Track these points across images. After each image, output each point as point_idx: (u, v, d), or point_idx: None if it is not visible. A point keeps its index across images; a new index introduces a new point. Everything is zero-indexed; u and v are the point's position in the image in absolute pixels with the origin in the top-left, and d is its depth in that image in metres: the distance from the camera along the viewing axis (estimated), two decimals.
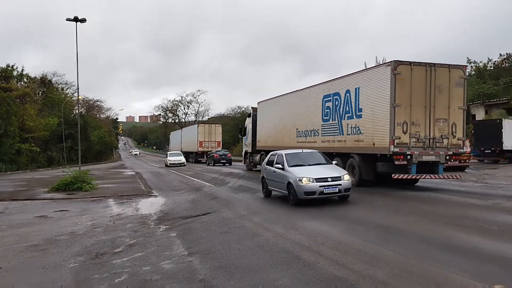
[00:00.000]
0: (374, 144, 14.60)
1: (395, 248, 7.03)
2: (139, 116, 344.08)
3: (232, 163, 38.98)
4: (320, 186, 10.97)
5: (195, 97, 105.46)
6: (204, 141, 44.22)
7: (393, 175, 13.90)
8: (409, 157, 13.88)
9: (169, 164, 37.11)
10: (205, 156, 42.16)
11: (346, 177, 11.41)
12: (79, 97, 44.14)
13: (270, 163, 13.15)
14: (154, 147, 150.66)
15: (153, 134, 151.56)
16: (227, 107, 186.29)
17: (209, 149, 43.32)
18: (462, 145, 14.28)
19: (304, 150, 13.09)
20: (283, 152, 12.89)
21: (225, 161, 38.85)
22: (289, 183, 11.48)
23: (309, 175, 11.16)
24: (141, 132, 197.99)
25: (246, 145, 28.21)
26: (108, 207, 13.91)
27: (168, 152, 40.84)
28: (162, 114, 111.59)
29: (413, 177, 13.76)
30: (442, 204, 11.15)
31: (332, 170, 11.66)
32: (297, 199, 11.14)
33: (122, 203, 14.54)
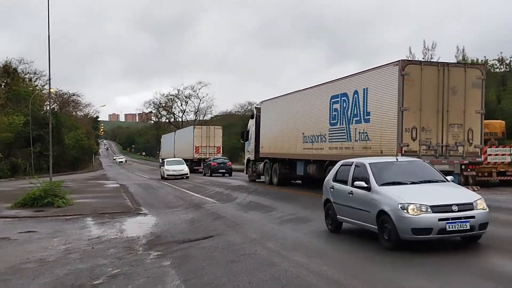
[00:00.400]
0: (382, 152, 17.15)
1: None
2: (125, 114, 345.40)
3: (234, 173, 41.17)
4: (439, 220, 8.62)
5: (195, 91, 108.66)
6: (201, 146, 47.16)
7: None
8: None
9: (167, 175, 37.20)
10: (202, 165, 44.90)
11: (481, 203, 9.07)
12: (51, 89, 45.40)
13: (342, 178, 11.05)
14: (144, 153, 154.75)
15: (143, 137, 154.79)
16: (235, 104, 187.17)
17: (207, 156, 46.23)
18: (479, 154, 16.78)
19: (400, 158, 11.49)
20: (366, 160, 10.89)
21: (224, 170, 41.45)
22: (381, 212, 9.23)
23: (419, 200, 8.85)
24: (127, 134, 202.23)
25: (249, 151, 30.77)
26: (86, 227, 14.36)
27: (166, 160, 40.81)
28: (153, 111, 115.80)
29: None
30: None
31: (454, 192, 9.46)
32: (397, 240, 8.92)
33: (103, 223, 15.02)
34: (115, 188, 30.59)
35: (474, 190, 16.87)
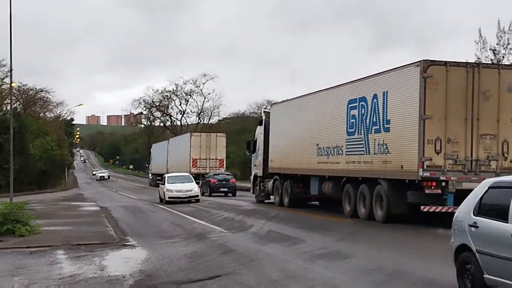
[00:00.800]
0: (402, 167, 19.45)
1: None
2: (108, 116, 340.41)
3: (243, 192, 43.29)
4: None
5: (198, 86, 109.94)
6: (200, 158, 50.37)
7: (422, 207, 18.61)
8: (443, 183, 18.57)
9: (170, 198, 35.90)
10: (200, 181, 46.70)
11: None
12: (13, 84, 45.57)
13: (494, 209, 9.22)
14: (131, 167, 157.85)
15: (130, 145, 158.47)
16: (250, 102, 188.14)
17: (207, 171, 49.13)
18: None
19: None
20: None
21: (226, 189, 43.69)
22: None
23: None
24: (110, 142, 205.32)
25: (256, 165, 33.20)
26: (56, 263, 14.48)
27: (167, 176, 39.46)
28: (144, 113, 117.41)
29: (450, 210, 18.34)
30: None
31: None
32: None
33: (78, 258, 15.19)
34: (94, 212, 31.42)
35: None
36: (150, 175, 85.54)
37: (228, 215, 26.33)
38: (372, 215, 21.06)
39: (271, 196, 31.70)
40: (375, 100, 21.18)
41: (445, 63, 18.92)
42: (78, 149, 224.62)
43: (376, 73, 21.54)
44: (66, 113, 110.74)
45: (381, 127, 20.79)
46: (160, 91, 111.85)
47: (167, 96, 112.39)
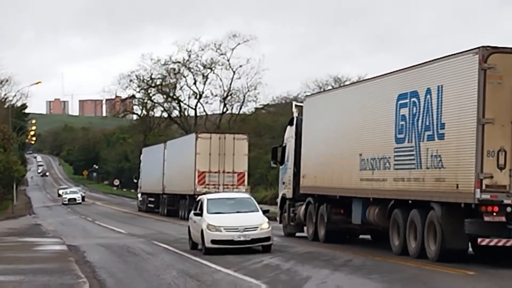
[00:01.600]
0: (457, 187, 24.30)
1: None
2: (81, 102, 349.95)
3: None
4: None
5: (224, 54, 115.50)
6: (210, 172, 55.13)
7: (479, 239, 23.36)
8: (509, 209, 23.20)
9: (215, 241, 31.76)
10: None
11: None
12: None
13: None
14: (117, 182, 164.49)
15: (115, 148, 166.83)
16: (306, 81, 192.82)
17: (220, 189, 53.93)
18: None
19: None
20: None
21: None
22: None
23: None
24: (84, 143, 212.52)
25: (284, 183, 37.54)
26: None
27: (206, 198, 34.22)
28: (138, 96, 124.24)
29: None
30: None
31: None
32: None
33: None
34: (58, 254, 33.04)
35: None
36: (139, 195, 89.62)
37: (269, 261, 28.42)
38: (424, 251, 25.75)
39: (304, 227, 35.88)
40: (428, 96, 26.10)
41: None
42: (30, 151, 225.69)
43: (433, 59, 26.41)
44: (14, 96, 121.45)
45: (435, 133, 25.68)
46: (163, 62, 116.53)
47: (174, 69, 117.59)
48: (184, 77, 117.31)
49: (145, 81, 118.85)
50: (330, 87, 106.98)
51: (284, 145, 38.70)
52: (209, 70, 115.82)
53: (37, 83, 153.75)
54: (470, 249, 27.24)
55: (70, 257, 30.86)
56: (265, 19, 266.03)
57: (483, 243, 23.57)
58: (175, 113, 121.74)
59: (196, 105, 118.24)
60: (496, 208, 23.12)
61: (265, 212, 33.69)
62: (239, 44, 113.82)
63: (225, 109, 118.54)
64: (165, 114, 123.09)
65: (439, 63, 25.89)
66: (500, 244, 23.40)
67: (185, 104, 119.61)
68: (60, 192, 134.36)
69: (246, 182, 56.76)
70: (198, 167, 56.05)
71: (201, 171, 55.95)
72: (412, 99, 27.19)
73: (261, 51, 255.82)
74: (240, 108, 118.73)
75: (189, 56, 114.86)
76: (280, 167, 38.99)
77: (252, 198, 35.71)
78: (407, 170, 27.31)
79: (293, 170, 36.86)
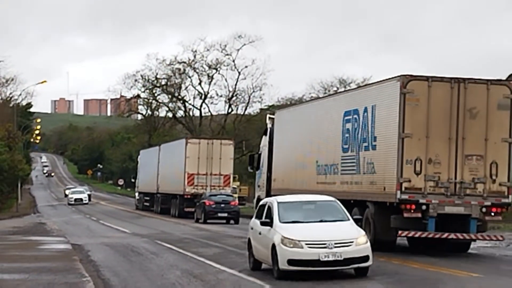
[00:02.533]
0: (384, 189, 31.26)
1: None
2: (85, 101, 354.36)
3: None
4: None
5: (229, 54, 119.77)
6: (199, 174, 61.94)
7: (399, 231, 30.32)
8: (424, 207, 29.90)
9: (292, 261, 24.98)
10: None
11: None
12: None
13: None
14: (121, 182, 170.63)
15: (120, 148, 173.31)
16: (312, 82, 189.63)
17: (207, 190, 60.89)
18: (506, 194, 30.56)
19: None
20: None
21: (226, 214, 54.33)
22: None
23: None
24: (88, 142, 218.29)
25: (259, 186, 43.23)
26: None
27: (276, 201, 28.06)
28: (143, 96, 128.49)
29: (430, 236, 30.02)
30: None
31: None
32: None
33: None
34: (62, 253, 34.66)
35: (498, 239, 31.04)
36: (137, 194, 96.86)
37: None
38: None
39: None
40: (365, 113, 33.08)
41: (427, 78, 30.53)
42: (36, 150, 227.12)
43: (369, 83, 33.67)
44: (20, 95, 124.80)
45: (370, 144, 32.76)
46: (168, 62, 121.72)
47: (180, 70, 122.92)
48: (189, 77, 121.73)
49: (150, 81, 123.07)
50: (335, 89, 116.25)
51: (260, 152, 44.70)
52: (214, 71, 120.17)
53: (42, 82, 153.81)
54: (406, 242, 33.98)
55: (74, 256, 32.63)
56: (270, 19, 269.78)
57: (403, 235, 30.56)
58: (180, 113, 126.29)
59: (201, 106, 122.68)
60: (413, 206, 29.70)
61: (357, 221, 27.32)
62: (244, 44, 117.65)
63: (230, 110, 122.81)
64: (170, 114, 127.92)
65: (374, 87, 33.41)
66: (416, 235, 30.16)
67: (190, 104, 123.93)
68: (68, 192, 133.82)
69: (231, 183, 63.21)
70: (187, 168, 62.36)
71: (190, 173, 62.34)
72: (354, 116, 34.21)
73: (267, 51, 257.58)
74: (245, 109, 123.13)
75: (195, 56, 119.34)
76: (257, 172, 44.52)
77: (338, 202, 28.11)
78: (350, 175, 34.42)
79: (267, 175, 42.82)
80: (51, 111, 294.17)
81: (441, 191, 30.32)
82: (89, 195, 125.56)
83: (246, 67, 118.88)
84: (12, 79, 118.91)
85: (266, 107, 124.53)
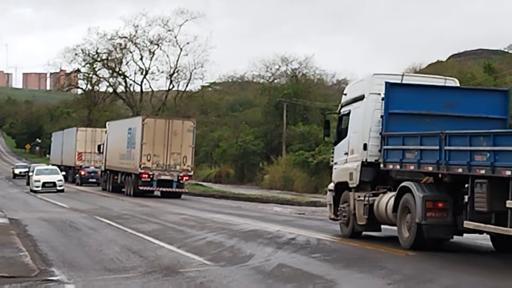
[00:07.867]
0: (136, 167, 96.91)
1: None
2: (24, 75, 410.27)
3: (192, 197, 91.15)
4: None
5: (171, 30, 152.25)
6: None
7: (139, 186, 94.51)
8: (151, 175, 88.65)
9: None
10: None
11: None
12: None
13: None
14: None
15: (59, 123, 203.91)
16: (254, 59, 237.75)
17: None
18: (190, 170, 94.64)
19: None
20: None
21: (94, 180, 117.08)
22: None
23: None
24: (26, 116, 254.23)
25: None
26: None
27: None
28: (83, 70, 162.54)
29: (153, 189, 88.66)
30: None
31: None
32: None
33: None
34: None
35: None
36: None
37: (213, 238, 36.70)
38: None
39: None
40: (131, 131, 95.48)
41: (154, 119, 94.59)
42: None
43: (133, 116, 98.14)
44: None
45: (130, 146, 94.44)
46: (109, 37, 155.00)
47: (121, 44, 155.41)
48: (131, 52, 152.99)
49: (90, 55, 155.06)
50: (277, 67, 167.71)
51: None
52: (156, 46, 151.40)
53: None
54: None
55: (11, 230, 39.84)
56: None
57: (141, 188, 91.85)
58: (121, 88, 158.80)
59: (142, 81, 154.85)
60: (146, 175, 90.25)
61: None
62: (186, 20, 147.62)
63: (171, 86, 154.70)
64: (110, 89, 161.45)
65: (133, 118, 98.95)
66: (147, 188, 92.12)
67: (131, 79, 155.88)
68: (17, 171, 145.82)
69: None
70: (78, 149, 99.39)
71: (80, 152, 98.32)
72: (130, 131, 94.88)
73: (210, 28, 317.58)
74: (187, 86, 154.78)
75: (136, 31, 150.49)
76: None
77: None
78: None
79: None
80: None
81: (159, 169, 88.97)
82: (29, 170, 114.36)
83: (188, 43, 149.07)
84: None
85: (207, 84, 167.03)
